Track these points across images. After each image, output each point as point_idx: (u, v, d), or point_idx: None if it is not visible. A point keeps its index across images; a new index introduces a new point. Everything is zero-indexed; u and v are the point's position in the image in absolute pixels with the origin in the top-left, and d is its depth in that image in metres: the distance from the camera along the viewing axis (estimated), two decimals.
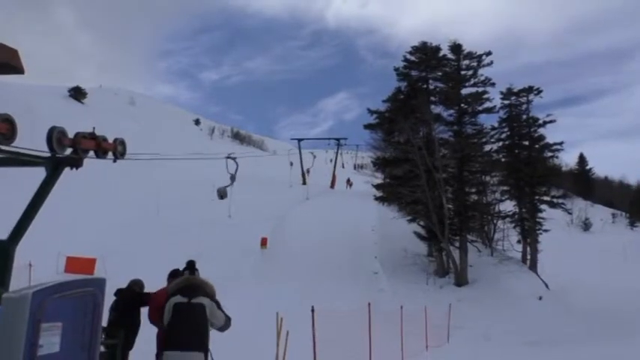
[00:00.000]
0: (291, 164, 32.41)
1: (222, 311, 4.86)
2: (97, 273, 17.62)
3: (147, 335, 6.10)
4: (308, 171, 46.61)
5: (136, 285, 6.88)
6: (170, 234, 23.49)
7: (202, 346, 4.58)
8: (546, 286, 22.43)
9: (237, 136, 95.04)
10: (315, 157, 50.26)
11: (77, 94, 62.15)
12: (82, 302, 3.69)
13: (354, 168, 75.70)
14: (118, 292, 6.67)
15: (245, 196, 33.22)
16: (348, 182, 52.88)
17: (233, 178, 15.49)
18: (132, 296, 6.65)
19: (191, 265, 6.22)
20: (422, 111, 23.94)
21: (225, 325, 4.88)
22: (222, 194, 17.57)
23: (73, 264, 18.75)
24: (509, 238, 27.40)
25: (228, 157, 18.02)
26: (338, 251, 23.52)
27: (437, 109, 25.46)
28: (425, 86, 25.56)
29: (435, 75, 25.65)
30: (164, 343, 4.74)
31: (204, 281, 4.98)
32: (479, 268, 23.08)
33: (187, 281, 4.96)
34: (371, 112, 26.58)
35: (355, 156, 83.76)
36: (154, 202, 28.10)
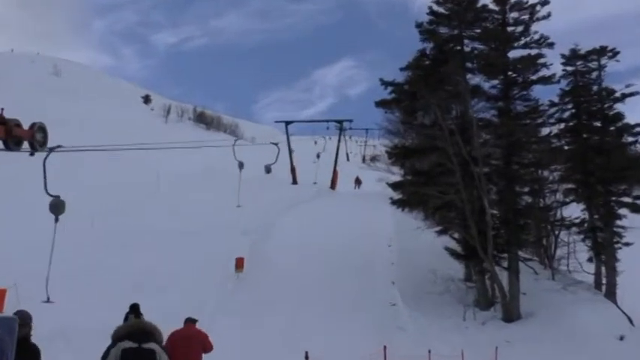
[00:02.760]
0: (241, 166, 30.86)
1: None
2: (6, 309, 17.50)
3: None
4: (318, 156, 48.05)
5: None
6: (109, 252, 23.42)
7: None
8: (630, 321, 22.43)
9: (201, 119, 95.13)
10: (325, 140, 51.34)
11: None
12: None
13: (363, 161, 75.85)
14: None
15: (212, 199, 33.43)
16: (357, 182, 53.05)
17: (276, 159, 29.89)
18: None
19: (135, 309, 6.93)
20: (455, 82, 23.90)
21: None
22: (268, 170, 35.91)
23: None
24: (576, 254, 27.39)
25: (272, 143, 36.33)
26: (341, 275, 23.53)
27: (475, 79, 25.42)
28: (458, 48, 25.48)
29: (471, 33, 25.60)
30: None
31: (154, 326, 5.97)
32: (535, 296, 23.08)
33: (137, 325, 5.95)
34: (385, 83, 26.44)
35: (364, 144, 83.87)
36: (86, 209, 27.97)
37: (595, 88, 28.50)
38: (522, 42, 24.94)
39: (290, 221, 31.02)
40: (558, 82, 26.88)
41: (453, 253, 24.90)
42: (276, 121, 53.06)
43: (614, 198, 27.58)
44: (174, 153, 40.12)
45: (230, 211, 30.89)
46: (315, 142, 63.31)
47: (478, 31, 25.53)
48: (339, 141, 51.50)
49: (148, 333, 5.78)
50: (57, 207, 13.38)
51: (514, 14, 25.09)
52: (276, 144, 37.52)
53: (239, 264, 23.10)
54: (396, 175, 35.92)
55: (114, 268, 20.47)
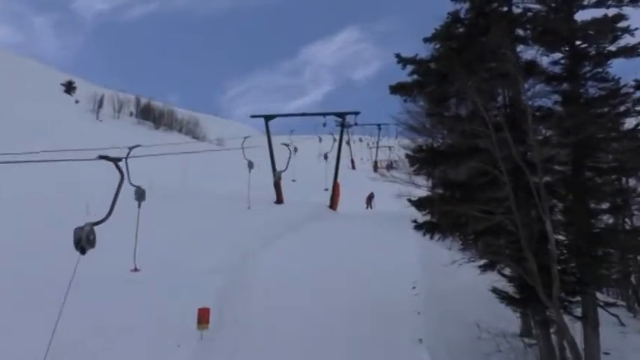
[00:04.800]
0: (140, 196, 27.82)
1: None
2: None
3: None
4: (326, 156, 49.55)
5: None
6: (21, 301, 23.03)
7: None
8: None
9: (146, 115, 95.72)
10: (335, 140, 52.61)
11: None
12: None
13: (375, 169, 76.07)
14: None
15: (165, 227, 33.18)
16: (369, 200, 53.22)
17: (287, 163, 40.62)
18: None
19: None
20: (501, 56, 23.64)
21: None
22: (278, 177, 46.63)
23: None
24: None
25: (284, 144, 47.52)
26: (347, 331, 23.40)
27: (529, 53, 25.26)
28: (505, 9, 25.40)
29: None
30: None
31: None
32: (623, 357, 23.07)
33: None
34: (404, 61, 26.34)
35: (376, 146, 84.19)
36: None
37: None
38: None
39: (274, 257, 31.32)
40: None
41: (503, 296, 24.50)
42: (252, 116, 52.35)
43: None
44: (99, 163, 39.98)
45: (187, 245, 30.99)
46: (296, 149, 62.66)
47: None
48: (340, 142, 51.41)
49: None
50: None
51: None
52: (287, 145, 46.80)
53: (203, 317, 22.79)
54: (422, 188, 35.81)
55: (20, 331, 20.06)
